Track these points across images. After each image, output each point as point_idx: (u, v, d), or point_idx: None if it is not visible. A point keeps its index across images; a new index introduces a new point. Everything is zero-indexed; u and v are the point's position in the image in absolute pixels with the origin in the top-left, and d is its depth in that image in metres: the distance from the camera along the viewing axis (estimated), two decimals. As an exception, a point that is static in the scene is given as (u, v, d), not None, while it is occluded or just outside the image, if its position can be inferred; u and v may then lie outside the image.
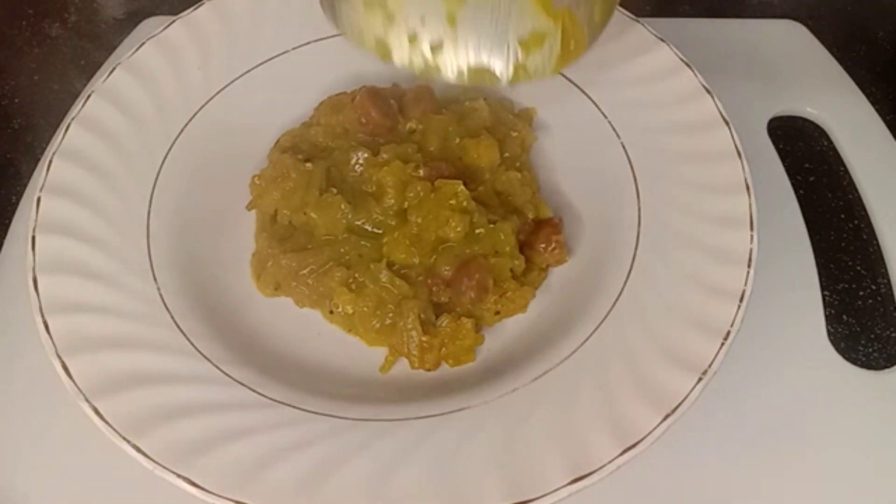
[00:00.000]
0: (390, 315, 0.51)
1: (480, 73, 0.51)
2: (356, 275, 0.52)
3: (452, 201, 0.51)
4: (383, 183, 0.53)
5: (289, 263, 0.52)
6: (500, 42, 0.50)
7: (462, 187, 0.52)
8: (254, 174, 0.56)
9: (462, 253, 0.51)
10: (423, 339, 0.50)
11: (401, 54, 0.51)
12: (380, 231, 0.53)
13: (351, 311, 0.52)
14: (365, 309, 0.51)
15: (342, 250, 0.53)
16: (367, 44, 0.51)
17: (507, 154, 0.57)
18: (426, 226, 0.51)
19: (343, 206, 0.53)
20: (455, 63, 0.50)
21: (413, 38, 0.50)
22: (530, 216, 0.54)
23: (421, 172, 0.53)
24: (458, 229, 0.51)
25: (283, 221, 0.55)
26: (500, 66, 0.50)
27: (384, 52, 0.51)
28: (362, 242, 0.53)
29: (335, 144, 0.57)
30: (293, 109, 0.60)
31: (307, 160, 0.55)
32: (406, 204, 0.52)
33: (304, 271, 0.52)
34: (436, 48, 0.50)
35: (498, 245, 0.51)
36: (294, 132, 0.59)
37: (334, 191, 0.53)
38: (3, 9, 0.77)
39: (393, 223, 0.52)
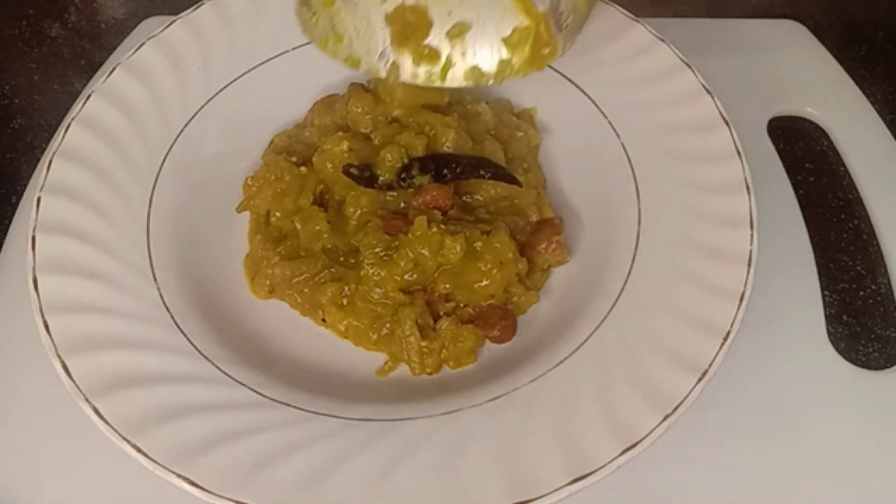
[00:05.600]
0: (387, 325, 0.51)
1: (469, 73, 0.52)
2: (348, 287, 0.51)
3: (434, 228, 0.50)
4: (352, 217, 0.53)
5: (282, 272, 0.52)
6: (485, 42, 0.51)
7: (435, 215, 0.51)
8: (247, 175, 0.56)
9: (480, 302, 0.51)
10: (423, 343, 0.50)
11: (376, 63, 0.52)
12: (353, 261, 0.52)
13: (343, 329, 0.52)
14: (360, 325, 0.51)
15: (332, 265, 0.52)
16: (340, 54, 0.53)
17: (510, 155, 0.57)
18: (422, 260, 0.50)
19: (321, 227, 0.52)
20: (444, 67, 0.52)
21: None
22: (534, 218, 0.54)
23: (381, 223, 0.51)
24: (457, 249, 0.50)
25: (276, 223, 0.55)
26: (486, 64, 0.51)
27: (353, 62, 0.53)
28: (333, 269, 0.52)
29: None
30: (294, 109, 0.60)
31: (302, 163, 0.55)
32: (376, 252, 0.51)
33: (298, 279, 0.52)
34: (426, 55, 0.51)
35: (500, 255, 0.50)
36: (288, 133, 0.59)
37: (321, 210, 0.53)
38: (3, 9, 0.77)
39: (371, 262, 0.51)
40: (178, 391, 0.45)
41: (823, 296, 0.54)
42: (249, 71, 0.60)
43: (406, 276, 0.51)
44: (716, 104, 0.54)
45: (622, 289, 0.49)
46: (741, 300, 0.46)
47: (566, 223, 0.55)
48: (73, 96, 0.64)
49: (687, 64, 0.56)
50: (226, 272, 0.55)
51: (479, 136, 0.56)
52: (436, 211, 0.52)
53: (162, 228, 0.53)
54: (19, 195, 0.62)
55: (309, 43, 0.60)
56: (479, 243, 0.51)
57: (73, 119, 0.55)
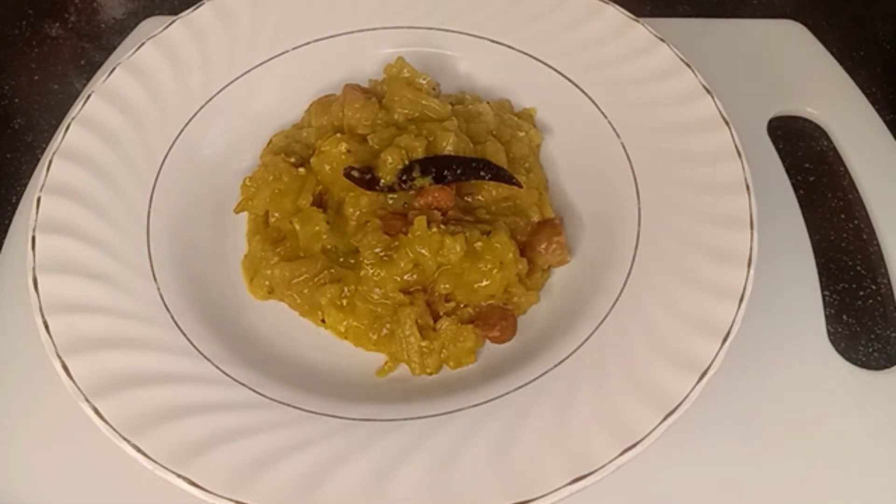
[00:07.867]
0: (387, 325, 0.51)
1: None
2: (347, 288, 0.51)
3: (434, 228, 0.50)
4: (352, 217, 0.53)
5: (281, 273, 0.52)
6: None
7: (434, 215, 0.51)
8: (246, 176, 0.56)
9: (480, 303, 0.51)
10: (423, 343, 0.50)
11: None
12: (353, 261, 0.52)
13: (343, 330, 0.52)
14: (360, 326, 0.51)
15: (331, 266, 0.52)
16: None
17: (512, 155, 0.57)
18: (422, 260, 0.50)
19: (320, 227, 0.52)
20: None
21: None
22: (535, 218, 0.54)
23: (380, 223, 0.51)
24: (457, 249, 0.50)
25: (275, 224, 0.55)
26: None
27: None
28: (333, 270, 0.52)
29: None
30: (293, 109, 0.60)
31: (301, 164, 0.55)
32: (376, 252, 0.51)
33: (298, 280, 0.52)
34: None
35: (500, 255, 0.50)
36: (287, 133, 0.59)
37: (320, 211, 0.53)
38: (3, 9, 0.77)
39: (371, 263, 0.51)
40: (178, 391, 0.45)
41: (823, 296, 0.54)
42: (248, 71, 0.60)
43: (406, 277, 0.51)
44: (716, 104, 0.54)
45: (622, 289, 0.49)
46: (741, 300, 0.46)
47: (566, 223, 0.55)
48: (73, 96, 0.64)
49: (687, 64, 0.56)
50: (226, 272, 0.55)
51: (480, 136, 0.56)
52: (436, 211, 0.52)
53: (162, 228, 0.53)
54: (19, 195, 0.62)
55: (308, 43, 0.60)
56: (480, 243, 0.51)
57: (73, 119, 0.55)
